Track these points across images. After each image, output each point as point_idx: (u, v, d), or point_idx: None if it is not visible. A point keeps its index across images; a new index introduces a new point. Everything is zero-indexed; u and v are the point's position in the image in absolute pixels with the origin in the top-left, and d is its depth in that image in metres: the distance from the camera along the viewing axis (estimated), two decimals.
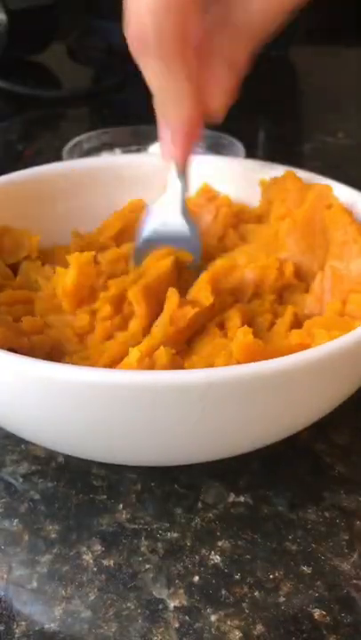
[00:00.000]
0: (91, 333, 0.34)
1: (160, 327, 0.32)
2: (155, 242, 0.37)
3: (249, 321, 0.34)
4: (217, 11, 0.32)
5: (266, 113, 0.82)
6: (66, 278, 0.34)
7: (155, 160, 0.42)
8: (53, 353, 0.33)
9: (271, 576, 0.29)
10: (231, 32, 0.32)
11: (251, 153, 0.65)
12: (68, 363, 0.32)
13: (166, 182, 0.37)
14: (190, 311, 0.32)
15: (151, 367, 0.30)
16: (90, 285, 0.35)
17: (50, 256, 0.40)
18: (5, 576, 0.28)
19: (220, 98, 0.33)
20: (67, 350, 0.33)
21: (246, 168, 0.44)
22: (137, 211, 0.42)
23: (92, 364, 0.31)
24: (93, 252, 0.35)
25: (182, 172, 0.37)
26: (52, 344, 0.33)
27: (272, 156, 0.49)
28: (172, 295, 0.33)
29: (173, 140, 0.34)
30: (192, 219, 0.38)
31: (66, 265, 0.35)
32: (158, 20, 0.29)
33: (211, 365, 0.30)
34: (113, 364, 0.32)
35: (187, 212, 0.38)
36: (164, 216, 0.38)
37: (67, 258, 0.35)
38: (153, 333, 0.32)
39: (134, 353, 0.30)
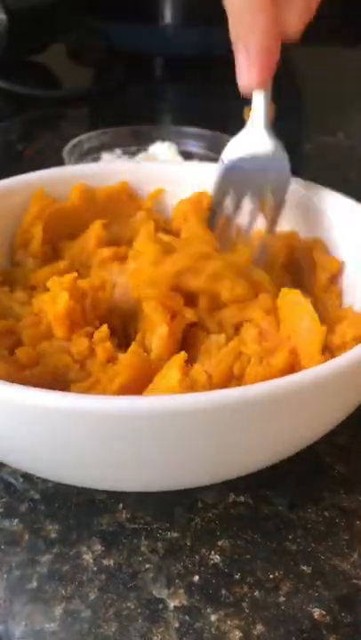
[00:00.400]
0: (91, 358, 0.32)
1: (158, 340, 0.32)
2: (237, 172, 0.37)
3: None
4: None
5: None
6: (57, 304, 0.32)
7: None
8: (56, 383, 0.31)
9: (271, 576, 0.29)
10: None
11: None
12: (76, 392, 0.30)
13: None
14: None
15: (191, 387, 0.29)
16: (81, 307, 0.33)
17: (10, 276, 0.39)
18: (5, 576, 0.28)
19: (296, 14, 0.34)
20: (70, 378, 0.31)
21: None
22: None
23: (104, 391, 0.30)
24: (75, 274, 0.34)
25: (263, 90, 0.36)
26: (52, 373, 0.31)
27: None
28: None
29: (251, 62, 0.33)
30: (275, 135, 0.37)
31: (28, 286, 0.34)
32: None
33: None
34: (126, 389, 0.30)
35: (270, 126, 0.37)
36: (244, 141, 0.37)
37: (49, 282, 0.33)
38: (158, 348, 0.32)
39: (174, 374, 0.29)
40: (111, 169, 0.45)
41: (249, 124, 0.37)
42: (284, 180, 0.37)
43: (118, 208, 0.43)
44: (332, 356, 0.31)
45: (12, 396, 0.24)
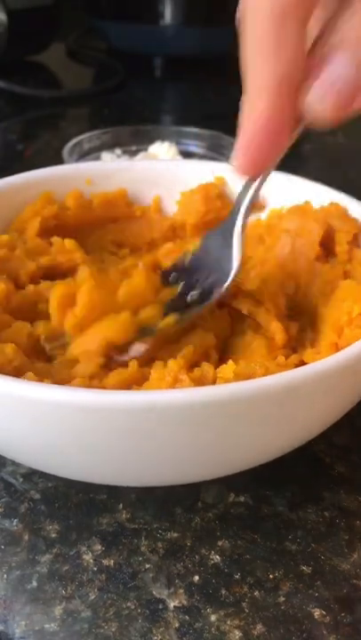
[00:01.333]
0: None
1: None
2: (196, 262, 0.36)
3: None
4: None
5: None
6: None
7: None
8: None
9: (271, 576, 0.29)
10: None
11: None
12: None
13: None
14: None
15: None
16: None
17: None
18: (5, 576, 0.28)
19: (319, 102, 0.25)
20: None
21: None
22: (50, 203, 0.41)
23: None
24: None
25: (249, 186, 0.33)
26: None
27: None
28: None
29: (242, 143, 0.27)
30: (243, 244, 0.35)
31: None
32: None
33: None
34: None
35: (241, 235, 0.34)
36: (217, 237, 0.35)
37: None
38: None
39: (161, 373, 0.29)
40: (111, 168, 0.45)
41: (229, 216, 0.35)
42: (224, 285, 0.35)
43: (115, 214, 0.44)
44: None
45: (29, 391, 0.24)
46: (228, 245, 0.35)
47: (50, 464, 0.30)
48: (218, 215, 0.43)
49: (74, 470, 0.30)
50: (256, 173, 0.30)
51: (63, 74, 1.05)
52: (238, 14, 0.25)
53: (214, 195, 0.43)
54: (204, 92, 1.00)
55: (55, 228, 0.41)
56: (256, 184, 0.32)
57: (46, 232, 0.40)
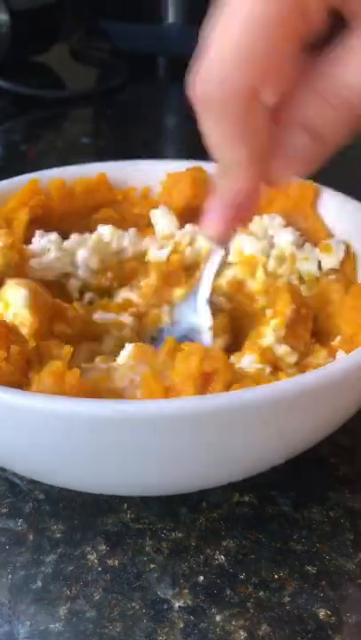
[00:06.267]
0: None
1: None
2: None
3: None
4: (310, 72, 0.25)
5: None
6: None
7: None
8: None
9: (276, 576, 0.29)
10: (322, 99, 0.25)
11: None
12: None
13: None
14: None
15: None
16: None
17: None
18: (10, 576, 0.28)
19: (286, 168, 0.28)
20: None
21: None
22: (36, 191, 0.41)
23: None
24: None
25: (220, 249, 0.35)
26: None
27: None
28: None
29: (215, 209, 0.30)
30: (213, 309, 0.36)
31: None
32: (225, 73, 0.24)
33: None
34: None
35: (209, 301, 0.36)
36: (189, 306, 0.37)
37: None
38: None
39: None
40: (112, 168, 0.45)
41: (199, 285, 0.36)
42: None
43: (97, 200, 0.43)
44: None
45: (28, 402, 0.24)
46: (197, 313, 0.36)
47: (53, 476, 0.30)
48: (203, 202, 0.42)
49: (83, 482, 0.30)
50: (226, 235, 0.32)
51: (66, 74, 1.05)
52: (194, 95, 0.26)
53: (203, 179, 0.42)
54: None
55: (42, 218, 0.41)
56: (225, 248, 0.35)
57: (34, 223, 0.40)
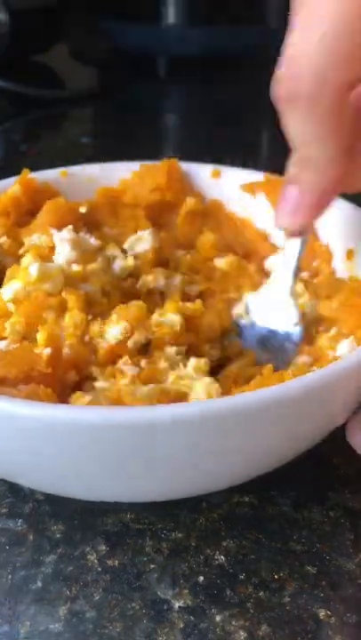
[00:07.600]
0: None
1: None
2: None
3: None
4: None
5: (267, 113, 0.82)
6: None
7: None
8: None
9: (276, 576, 0.29)
10: None
11: (252, 152, 0.65)
12: None
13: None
14: None
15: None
16: None
17: None
18: (10, 576, 0.28)
19: None
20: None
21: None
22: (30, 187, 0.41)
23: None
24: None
25: (297, 242, 0.34)
26: None
27: (273, 155, 0.49)
28: None
29: (299, 205, 0.29)
30: (297, 302, 0.36)
31: None
32: (318, 69, 0.25)
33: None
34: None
35: (295, 294, 0.35)
36: (266, 303, 0.36)
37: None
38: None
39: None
40: (111, 168, 0.45)
41: (274, 277, 0.36)
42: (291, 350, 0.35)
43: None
44: None
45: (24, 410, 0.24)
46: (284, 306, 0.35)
47: (53, 485, 0.30)
48: (175, 199, 0.42)
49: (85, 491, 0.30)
50: (309, 228, 0.33)
51: (67, 74, 1.05)
52: (279, 91, 0.26)
53: (178, 175, 0.42)
54: (206, 92, 1.00)
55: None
56: (303, 240, 0.34)
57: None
